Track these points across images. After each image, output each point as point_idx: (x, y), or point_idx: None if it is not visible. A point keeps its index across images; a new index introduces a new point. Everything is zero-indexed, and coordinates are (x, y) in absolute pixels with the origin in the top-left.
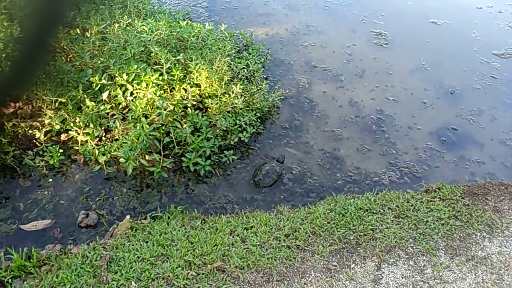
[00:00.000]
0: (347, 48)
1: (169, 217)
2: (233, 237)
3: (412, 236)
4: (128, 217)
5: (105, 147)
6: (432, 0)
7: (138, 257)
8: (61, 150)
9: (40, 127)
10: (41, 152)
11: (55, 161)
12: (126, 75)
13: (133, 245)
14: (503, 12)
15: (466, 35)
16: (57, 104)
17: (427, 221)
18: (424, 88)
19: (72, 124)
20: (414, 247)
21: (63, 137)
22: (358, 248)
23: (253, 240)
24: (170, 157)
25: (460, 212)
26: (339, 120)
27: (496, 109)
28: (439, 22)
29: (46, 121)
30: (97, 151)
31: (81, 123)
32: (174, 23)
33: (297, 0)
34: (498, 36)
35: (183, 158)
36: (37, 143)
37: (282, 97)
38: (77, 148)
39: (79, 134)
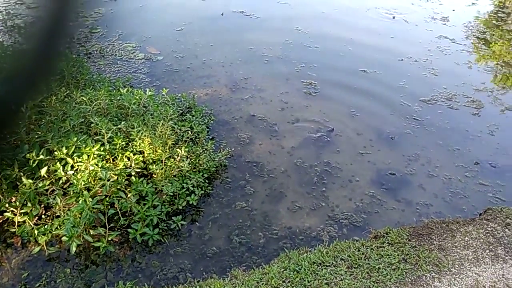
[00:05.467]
0: (282, 96)
1: None
2: None
3: (366, 286)
4: None
5: (46, 226)
6: (363, 50)
7: None
8: None
9: None
10: None
11: None
12: (66, 148)
13: None
14: (418, 61)
15: (394, 83)
16: None
17: (379, 268)
18: (357, 133)
19: (7, 205)
20: None
21: None
22: None
23: None
24: (116, 229)
25: (409, 255)
26: (282, 173)
27: (429, 150)
28: (369, 71)
29: None
30: (36, 231)
31: (17, 203)
32: (114, 91)
33: (234, 56)
34: (425, 84)
35: (129, 230)
36: None
37: (228, 155)
38: (13, 230)
39: (15, 214)
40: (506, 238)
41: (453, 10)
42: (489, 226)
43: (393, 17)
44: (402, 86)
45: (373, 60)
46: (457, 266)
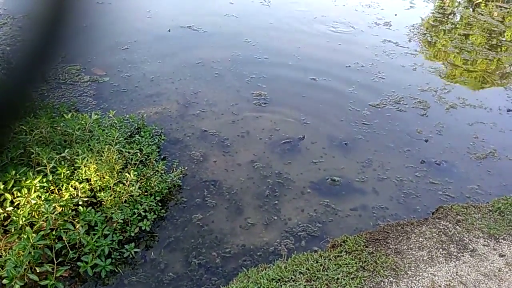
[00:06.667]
0: (233, 108)
1: None
2: None
3: None
4: None
5: None
6: (312, 59)
7: None
8: None
9: None
10: None
11: None
12: (3, 183)
13: None
14: (364, 66)
15: (343, 90)
16: None
17: (337, 278)
18: (311, 141)
19: None
20: None
21: None
22: None
23: None
24: (65, 264)
25: (366, 262)
26: (237, 188)
27: (380, 153)
28: (318, 79)
29: None
30: None
31: None
32: (58, 117)
33: (183, 72)
34: (373, 89)
35: (79, 263)
36: None
37: (181, 175)
38: None
39: None
40: (457, 235)
41: (395, 15)
42: (441, 224)
43: (337, 29)
44: (351, 92)
45: (322, 68)
46: (413, 268)
